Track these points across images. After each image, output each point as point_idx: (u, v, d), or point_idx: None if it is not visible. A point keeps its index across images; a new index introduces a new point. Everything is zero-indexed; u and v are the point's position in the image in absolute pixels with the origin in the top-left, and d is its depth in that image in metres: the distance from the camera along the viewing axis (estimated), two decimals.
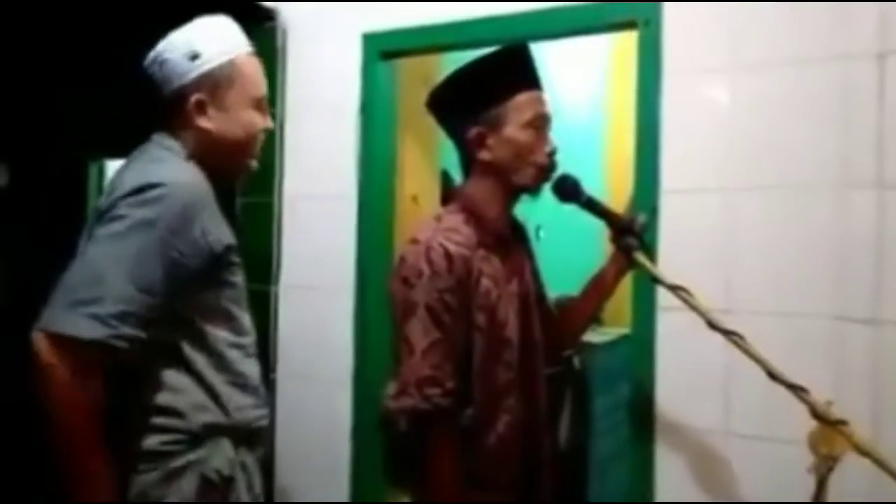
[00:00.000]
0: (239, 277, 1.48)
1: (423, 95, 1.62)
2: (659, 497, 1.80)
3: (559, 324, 1.70)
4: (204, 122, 1.43)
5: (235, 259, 1.45)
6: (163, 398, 1.38)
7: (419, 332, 1.40)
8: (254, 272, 1.72)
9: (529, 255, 1.67)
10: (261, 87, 1.50)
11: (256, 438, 1.51)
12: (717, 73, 1.79)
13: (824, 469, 1.24)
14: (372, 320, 2.21)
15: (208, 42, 1.43)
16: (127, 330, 1.26)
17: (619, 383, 2.79)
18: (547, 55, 2.04)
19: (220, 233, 1.40)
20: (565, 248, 3.32)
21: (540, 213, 2.52)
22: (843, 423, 1.24)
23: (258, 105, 1.49)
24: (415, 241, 1.46)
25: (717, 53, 1.79)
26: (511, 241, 1.59)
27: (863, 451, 1.22)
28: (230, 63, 1.44)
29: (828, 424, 1.24)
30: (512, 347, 1.49)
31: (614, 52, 3.90)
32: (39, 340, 1.24)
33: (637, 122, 1.88)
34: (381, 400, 1.46)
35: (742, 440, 1.72)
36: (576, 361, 3.05)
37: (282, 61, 2.38)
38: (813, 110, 1.68)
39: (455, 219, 1.50)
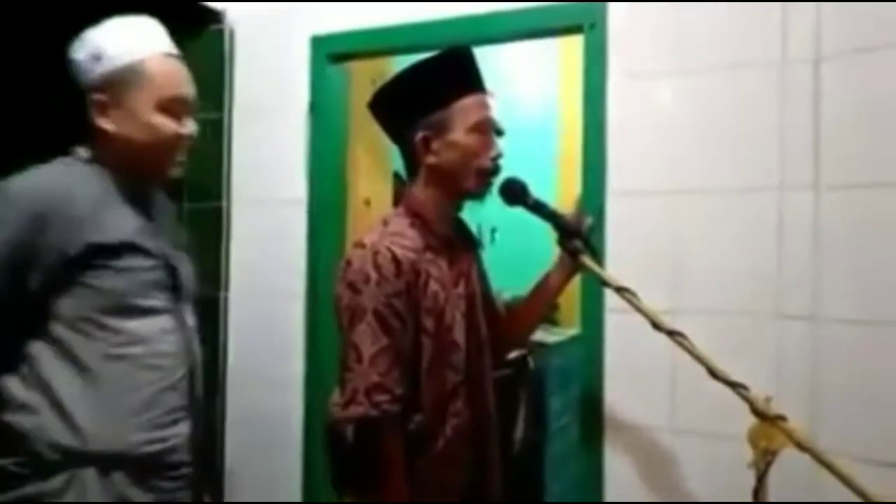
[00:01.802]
0: (114, 281, 1.33)
1: None
2: (608, 494, 1.82)
3: (506, 326, 1.71)
4: (104, 124, 1.38)
5: (112, 263, 1.33)
6: (8, 416, 1.30)
7: (367, 339, 1.38)
8: (203, 278, 1.69)
9: (476, 257, 1.67)
10: (175, 89, 1.40)
11: (150, 467, 1.35)
12: (660, 77, 1.82)
13: (763, 464, 1.26)
14: (324, 324, 2.20)
15: (114, 42, 1.37)
16: None
17: (573, 383, 2.82)
18: (501, 56, 2.04)
19: (80, 235, 1.31)
20: (521, 249, 3.34)
21: (495, 215, 2.53)
22: (781, 418, 1.26)
23: (171, 109, 1.39)
24: (361, 245, 1.45)
25: (661, 57, 1.82)
26: (457, 244, 1.59)
27: (801, 446, 1.24)
28: (137, 64, 1.37)
29: (767, 420, 1.27)
30: (459, 350, 1.49)
31: (566, 53, 3.93)
32: None
33: (584, 125, 1.90)
34: (328, 408, 1.44)
35: (688, 437, 1.76)
36: (530, 362, 3.07)
37: (229, 64, 2.34)
38: (752, 114, 1.72)
39: (401, 222, 1.50)
